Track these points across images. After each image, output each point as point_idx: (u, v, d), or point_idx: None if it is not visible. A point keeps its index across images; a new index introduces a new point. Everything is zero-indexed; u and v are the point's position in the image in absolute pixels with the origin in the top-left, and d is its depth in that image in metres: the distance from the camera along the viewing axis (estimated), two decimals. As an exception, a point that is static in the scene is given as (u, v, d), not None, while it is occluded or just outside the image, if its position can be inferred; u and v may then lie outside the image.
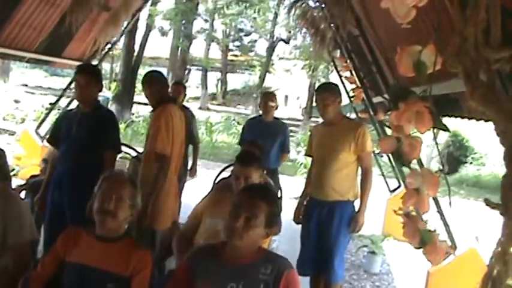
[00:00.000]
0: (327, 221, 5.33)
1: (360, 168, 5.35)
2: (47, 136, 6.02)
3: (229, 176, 4.66)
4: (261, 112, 7.76)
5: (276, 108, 7.69)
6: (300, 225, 5.62)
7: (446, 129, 1.86)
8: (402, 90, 1.88)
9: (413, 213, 2.15)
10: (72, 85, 7.27)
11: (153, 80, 5.72)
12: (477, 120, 4.05)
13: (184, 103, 8.33)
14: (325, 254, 5.31)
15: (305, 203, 5.65)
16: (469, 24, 1.51)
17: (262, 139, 6.89)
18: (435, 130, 1.88)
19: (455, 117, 4.34)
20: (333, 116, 5.38)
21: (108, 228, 3.11)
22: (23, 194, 6.13)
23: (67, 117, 5.36)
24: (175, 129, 5.42)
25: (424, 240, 2.05)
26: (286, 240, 5.76)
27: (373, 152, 5.53)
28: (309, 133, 6.09)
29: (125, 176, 3.38)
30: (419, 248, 2.08)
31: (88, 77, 5.07)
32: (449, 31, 1.89)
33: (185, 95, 8.23)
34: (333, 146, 5.36)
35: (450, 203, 2.15)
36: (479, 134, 20.44)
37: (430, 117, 1.76)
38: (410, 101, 1.79)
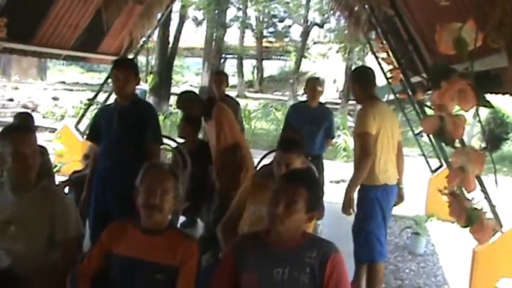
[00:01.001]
0: None
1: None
2: (87, 133, 6.07)
3: (271, 163, 4.67)
4: (305, 98, 7.73)
5: (322, 93, 7.66)
6: (341, 210, 5.60)
7: (490, 105, 1.83)
8: (443, 68, 1.86)
9: (458, 192, 2.12)
10: (109, 80, 7.33)
11: (187, 105, 6.26)
12: (519, 95, 3.99)
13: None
14: None
15: None
16: (509, -2, 1.48)
17: (308, 125, 6.92)
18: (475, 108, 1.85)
19: (497, 93, 4.28)
20: (357, 98, 5.63)
21: (154, 221, 3.14)
22: (66, 190, 6.21)
23: (106, 112, 5.38)
24: (233, 120, 6.12)
25: (470, 219, 2.03)
26: (330, 224, 5.75)
27: (361, 134, 5.31)
28: (348, 116, 6.11)
29: (167, 168, 3.38)
30: (466, 226, 2.06)
31: (126, 71, 5.05)
32: (488, 6, 1.85)
33: (227, 84, 8.29)
34: None
35: (496, 182, 2.12)
36: (520, 110, 20.11)
37: (474, 94, 1.73)
38: (452, 80, 1.76)
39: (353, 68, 25.06)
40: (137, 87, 5.25)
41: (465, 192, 2.08)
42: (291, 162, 4.09)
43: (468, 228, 2.07)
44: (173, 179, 3.25)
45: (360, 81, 5.49)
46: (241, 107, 8.73)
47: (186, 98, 6.23)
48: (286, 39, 43.04)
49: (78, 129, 10.67)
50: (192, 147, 6.46)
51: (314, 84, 7.55)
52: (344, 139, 16.50)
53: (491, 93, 4.35)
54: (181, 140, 6.68)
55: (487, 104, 1.82)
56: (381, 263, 5.48)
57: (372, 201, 5.28)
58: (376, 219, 5.31)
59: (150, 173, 3.25)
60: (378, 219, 5.32)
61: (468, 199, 2.10)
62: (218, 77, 8.35)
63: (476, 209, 2.06)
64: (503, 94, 4.23)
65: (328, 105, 8.24)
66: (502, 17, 1.52)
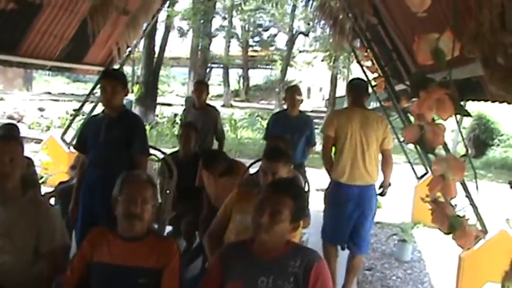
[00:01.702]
0: None
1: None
2: (74, 142, 6.06)
3: (257, 172, 4.68)
4: (285, 106, 7.78)
5: (302, 102, 7.71)
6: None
7: (468, 114, 1.87)
8: (422, 78, 1.89)
9: (441, 199, 2.15)
10: (95, 90, 7.29)
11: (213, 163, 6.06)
12: (500, 103, 4.02)
13: (208, 101, 8.38)
14: None
15: None
16: (484, 8, 1.51)
17: (288, 134, 6.95)
18: (458, 116, 1.87)
19: (479, 100, 4.32)
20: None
21: (135, 230, 3.18)
22: (52, 201, 6.19)
23: (93, 123, 5.34)
24: None
25: (453, 225, 2.05)
26: (316, 232, 5.77)
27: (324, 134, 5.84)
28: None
29: (145, 178, 3.40)
30: (448, 233, 2.08)
31: (114, 82, 5.03)
32: (466, 16, 1.88)
33: (208, 93, 8.32)
34: None
35: (477, 188, 2.15)
36: (505, 116, 20.22)
37: (451, 103, 1.76)
38: (430, 89, 1.79)
39: (338, 75, 25.43)
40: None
41: (448, 199, 2.11)
42: (277, 171, 4.11)
43: (451, 235, 2.09)
44: (152, 188, 3.30)
45: (350, 91, 6.06)
46: (227, 117, 8.76)
47: (212, 156, 6.19)
48: (272, 48, 43.28)
49: (64, 140, 10.59)
50: (186, 156, 6.46)
51: (293, 93, 7.60)
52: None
53: (473, 100, 4.39)
54: (168, 151, 6.67)
55: (465, 113, 1.86)
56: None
57: (328, 191, 6.03)
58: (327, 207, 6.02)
59: (129, 182, 3.29)
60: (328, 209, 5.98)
61: (452, 206, 2.12)
62: (198, 86, 8.37)
63: (458, 215, 2.08)
64: (486, 101, 4.26)
65: (314, 114, 8.26)
66: (478, 28, 1.54)
